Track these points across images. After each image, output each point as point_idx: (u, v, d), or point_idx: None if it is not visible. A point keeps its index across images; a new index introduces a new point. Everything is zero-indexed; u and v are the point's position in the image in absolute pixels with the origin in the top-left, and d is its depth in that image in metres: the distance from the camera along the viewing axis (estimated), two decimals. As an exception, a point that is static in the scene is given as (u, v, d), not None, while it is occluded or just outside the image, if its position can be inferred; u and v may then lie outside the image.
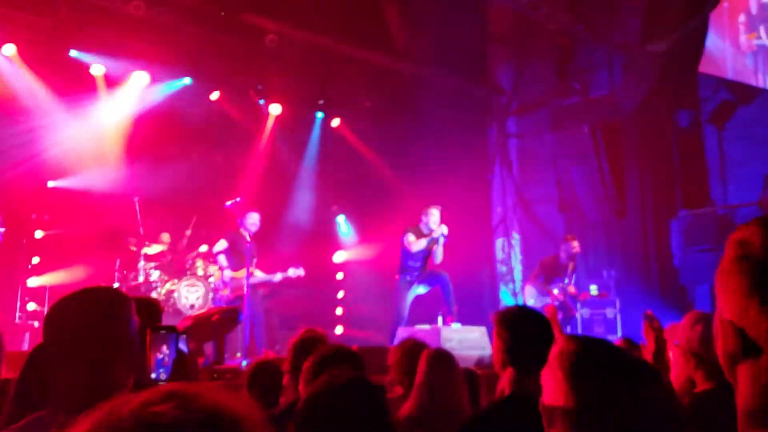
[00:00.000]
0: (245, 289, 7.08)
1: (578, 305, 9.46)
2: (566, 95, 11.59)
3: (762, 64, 10.58)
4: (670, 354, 4.20)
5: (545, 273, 9.05)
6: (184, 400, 0.81)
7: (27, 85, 9.19)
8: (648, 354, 3.83)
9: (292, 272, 7.77)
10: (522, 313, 2.87)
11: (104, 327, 1.69)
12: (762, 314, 1.03)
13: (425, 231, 8.05)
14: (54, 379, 1.68)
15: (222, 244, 7.72)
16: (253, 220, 7.59)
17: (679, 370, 4.31)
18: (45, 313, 1.79)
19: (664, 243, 10.68)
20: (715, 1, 9.89)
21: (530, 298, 9.00)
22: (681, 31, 10.30)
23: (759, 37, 10.58)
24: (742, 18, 10.75)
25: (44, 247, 9.32)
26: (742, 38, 10.64)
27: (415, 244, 7.91)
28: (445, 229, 7.91)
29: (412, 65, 11.21)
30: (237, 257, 7.57)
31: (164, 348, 2.09)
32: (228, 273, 7.61)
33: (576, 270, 9.24)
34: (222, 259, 7.71)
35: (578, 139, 11.08)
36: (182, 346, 2.14)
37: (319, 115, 11.62)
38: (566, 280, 8.99)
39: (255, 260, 7.62)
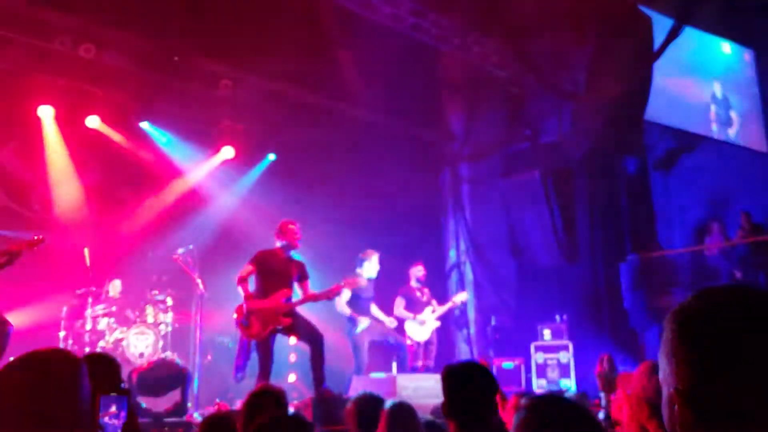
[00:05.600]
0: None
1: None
2: (517, 141, 11.82)
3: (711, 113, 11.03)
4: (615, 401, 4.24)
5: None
6: None
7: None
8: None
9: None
10: (464, 368, 2.89)
11: (53, 394, 1.62)
12: (685, 364, 1.08)
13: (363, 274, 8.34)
14: None
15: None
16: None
17: (631, 418, 4.37)
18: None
19: (614, 286, 10.87)
20: (659, 51, 10.26)
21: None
22: (626, 81, 10.65)
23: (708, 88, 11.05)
24: (686, 68, 11.20)
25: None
26: (689, 88, 11.08)
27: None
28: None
29: (364, 111, 11.32)
30: None
31: (114, 410, 2.04)
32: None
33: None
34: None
35: (529, 184, 11.28)
36: (129, 406, 2.09)
37: (271, 157, 11.59)
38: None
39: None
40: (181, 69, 9.75)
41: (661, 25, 10.61)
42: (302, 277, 6.92)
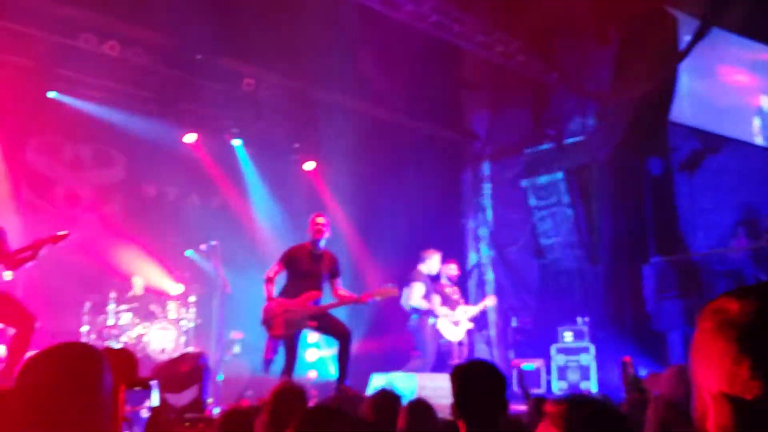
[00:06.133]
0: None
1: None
2: (540, 141, 11.75)
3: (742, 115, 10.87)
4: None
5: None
6: None
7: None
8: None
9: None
10: (472, 367, 2.87)
11: (76, 387, 1.65)
12: (754, 376, 1.03)
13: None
14: None
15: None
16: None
17: (657, 422, 4.29)
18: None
19: (637, 289, 10.75)
20: (685, 52, 10.15)
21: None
22: (651, 81, 10.54)
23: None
24: (714, 68, 11.05)
25: (13, 288, 9.11)
26: (716, 88, 10.93)
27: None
28: None
29: (386, 110, 11.31)
30: None
31: (139, 405, 2.05)
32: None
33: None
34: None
35: (552, 184, 11.20)
36: (155, 401, 2.09)
37: (293, 157, 11.63)
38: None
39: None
40: (204, 67, 9.80)
41: (688, 26, 10.51)
42: (333, 274, 6.84)
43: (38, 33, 8.65)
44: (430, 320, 8.37)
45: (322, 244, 6.84)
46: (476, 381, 2.74)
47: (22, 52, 8.70)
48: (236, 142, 10.88)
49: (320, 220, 6.86)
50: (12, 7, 8.30)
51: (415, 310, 8.36)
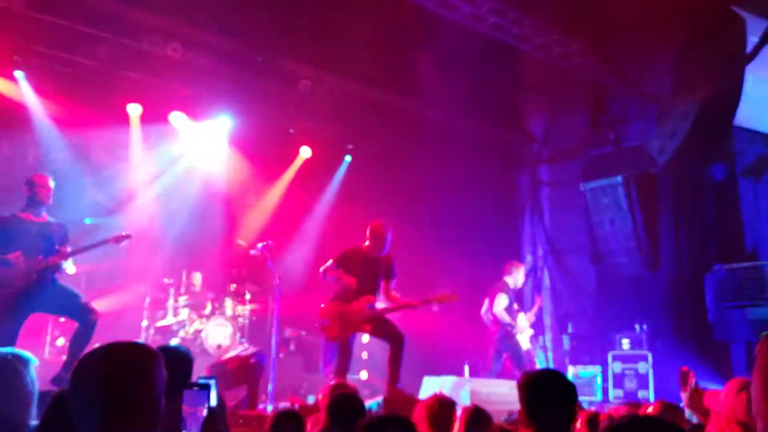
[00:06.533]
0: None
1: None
2: (599, 145, 11.55)
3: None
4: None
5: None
6: None
7: (64, 123, 9.42)
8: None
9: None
10: (543, 376, 2.86)
11: (128, 385, 1.70)
12: None
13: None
14: (78, 430, 1.68)
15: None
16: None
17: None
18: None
19: (698, 298, 10.47)
20: (752, 54, 9.83)
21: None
22: (716, 84, 10.25)
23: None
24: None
25: (75, 282, 9.40)
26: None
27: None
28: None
29: (443, 112, 11.28)
30: None
31: (196, 405, 2.09)
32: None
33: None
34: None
35: (611, 189, 10.99)
36: (213, 400, 2.13)
37: (348, 158, 11.70)
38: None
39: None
40: (263, 69, 9.93)
41: (755, 27, 10.17)
42: (388, 276, 6.79)
43: (105, 35, 8.89)
44: (522, 333, 8.57)
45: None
46: (546, 390, 2.74)
47: (90, 53, 8.97)
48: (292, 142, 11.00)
49: (383, 233, 6.78)
50: (79, 9, 8.55)
51: (505, 323, 8.45)
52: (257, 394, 6.90)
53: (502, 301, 8.42)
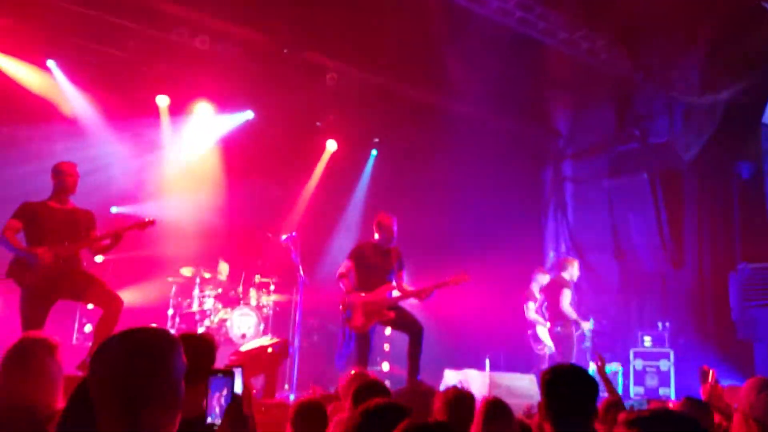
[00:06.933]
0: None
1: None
2: (624, 141, 11.48)
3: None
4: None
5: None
6: None
7: (93, 113, 9.58)
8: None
9: None
10: (563, 372, 2.87)
11: (145, 371, 1.69)
12: None
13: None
14: (97, 417, 1.69)
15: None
16: None
17: (736, 435, 4.16)
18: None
19: (721, 296, 10.37)
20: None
21: None
22: (743, 81, 10.13)
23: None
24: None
25: (103, 270, 9.57)
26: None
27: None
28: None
29: (468, 106, 11.27)
30: None
31: (221, 391, 2.14)
32: None
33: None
34: None
35: (636, 185, 10.93)
36: (238, 387, 2.18)
37: (374, 152, 11.75)
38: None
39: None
40: (290, 62, 10.01)
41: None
42: (399, 267, 7.01)
43: (135, 26, 9.01)
44: (585, 327, 8.84)
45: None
46: (570, 385, 2.76)
47: (119, 44, 9.11)
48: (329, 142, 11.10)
49: (389, 223, 6.98)
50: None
51: (563, 318, 8.61)
52: (275, 383, 7.00)
53: (568, 296, 8.65)
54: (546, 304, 8.97)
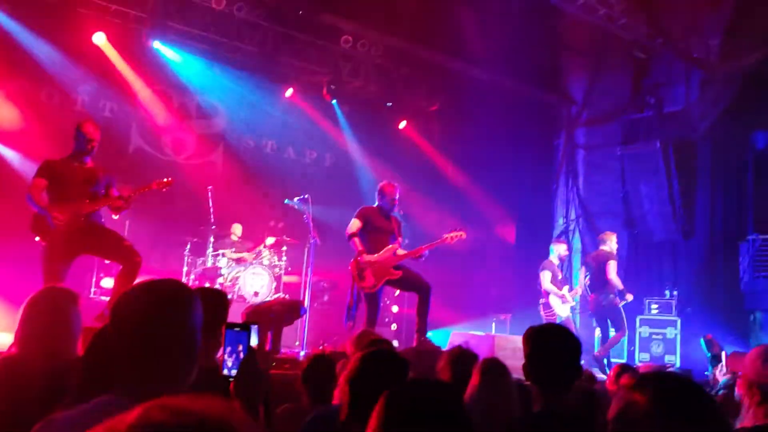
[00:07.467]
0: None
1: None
2: (639, 109, 11.41)
3: None
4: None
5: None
6: (176, 410, 0.90)
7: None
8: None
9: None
10: (545, 330, 2.84)
11: (165, 320, 1.72)
12: None
13: None
14: (116, 365, 1.71)
15: None
16: None
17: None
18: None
19: (731, 266, 10.43)
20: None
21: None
22: (763, 50, 10.03)
23: None
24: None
25: (120, 227, 9.71)
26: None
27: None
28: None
29: (483, 71, 11.23)
30: None
31: (236, 345, 2.24)
32: None
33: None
34: None
35: (649, 154, 10.88)
36: (253, 341, 2.28)
37: (387, 115, 11.78)
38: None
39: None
40: (305, 23, 10.00)
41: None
42: (399, 233, 7.22)
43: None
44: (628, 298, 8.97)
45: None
46: (551, 344, 2.71)
47: (133, 3, 9.15)
48: (331, 99, 11.10)
49: (392, 191, 7.16)
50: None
51: (609, 288, 8.84)
52: (279, 340, 7.16)
53: (614, 267, 8.87)
54: (588, 276, 9.20)
